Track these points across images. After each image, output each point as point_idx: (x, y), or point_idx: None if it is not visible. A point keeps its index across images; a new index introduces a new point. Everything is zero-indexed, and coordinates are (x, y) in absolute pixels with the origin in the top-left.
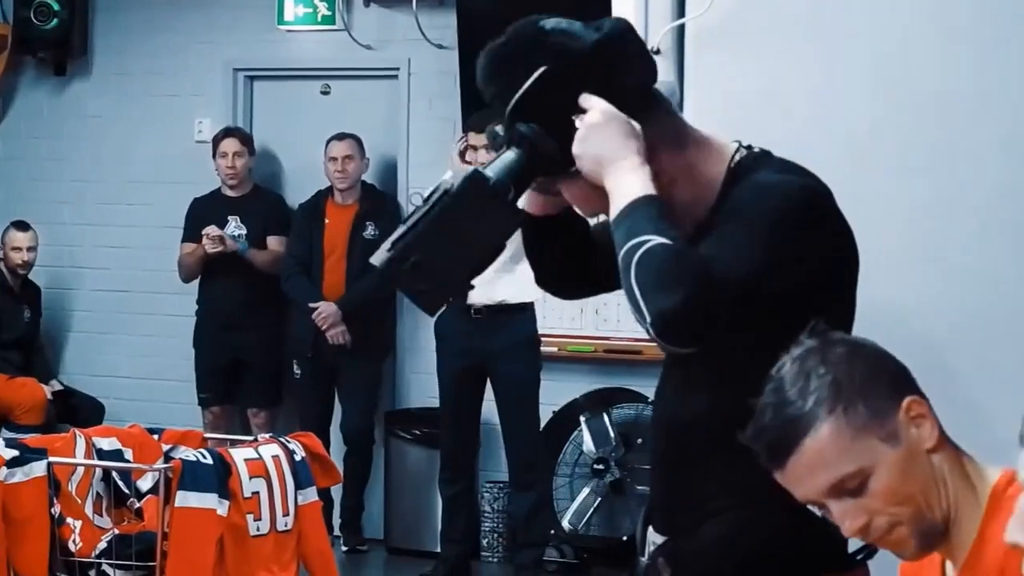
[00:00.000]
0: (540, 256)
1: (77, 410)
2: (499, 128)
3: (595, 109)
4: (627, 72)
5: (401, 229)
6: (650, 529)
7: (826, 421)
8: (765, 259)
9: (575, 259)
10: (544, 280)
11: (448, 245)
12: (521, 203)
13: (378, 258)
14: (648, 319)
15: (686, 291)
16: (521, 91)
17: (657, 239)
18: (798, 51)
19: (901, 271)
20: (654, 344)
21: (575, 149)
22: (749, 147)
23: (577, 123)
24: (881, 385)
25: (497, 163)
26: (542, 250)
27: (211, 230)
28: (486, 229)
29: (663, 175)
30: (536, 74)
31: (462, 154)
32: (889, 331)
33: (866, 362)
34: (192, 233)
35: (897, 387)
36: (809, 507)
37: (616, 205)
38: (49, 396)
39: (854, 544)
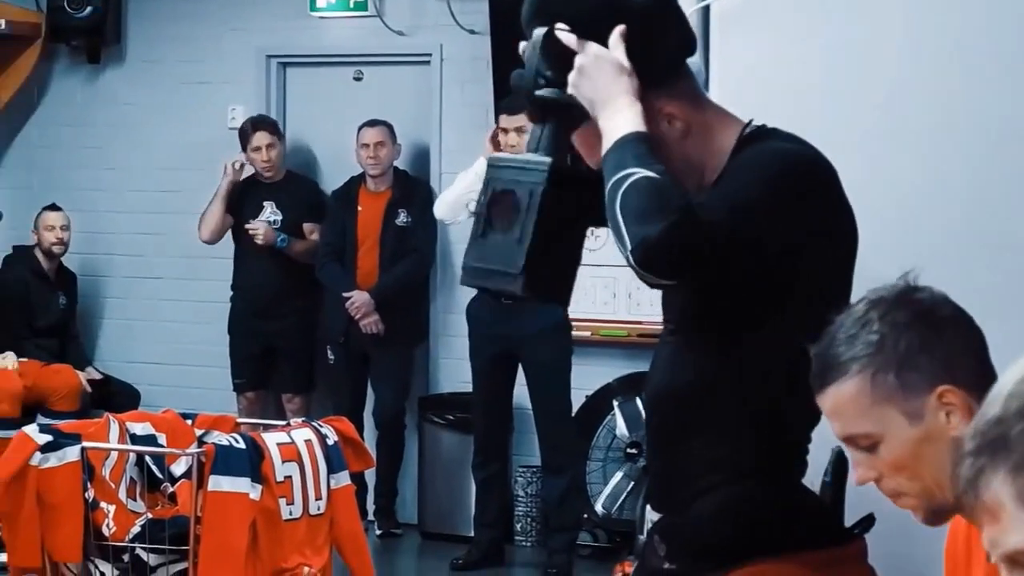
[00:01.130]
0: None
1: (113, 396)
2: (523, 44)
3: (586, 52)
4: (668, 37)
5: (517, 249)
6: (648, 507)
7: (853, 378)
8: (754, 211)
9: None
10: None
11: (553, 243)
12: None
13: (517, 286)
14: (629, 247)
15: (668, 220)
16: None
17: (643, 171)
18: (825, 35)
19: (935, 257)
20: None
21: (569, 92)
22: (761, 125)
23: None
24: (926, 362)
25: (542, 143)
26: None
27: (255, 227)
28: (568, 208)
29: (679, 123)
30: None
31: (495, 142)
32: None
33: (922, 334)
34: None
35: (947, 369)
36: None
37: (606, 142)
38: (85, 383)
39: (851, 519)
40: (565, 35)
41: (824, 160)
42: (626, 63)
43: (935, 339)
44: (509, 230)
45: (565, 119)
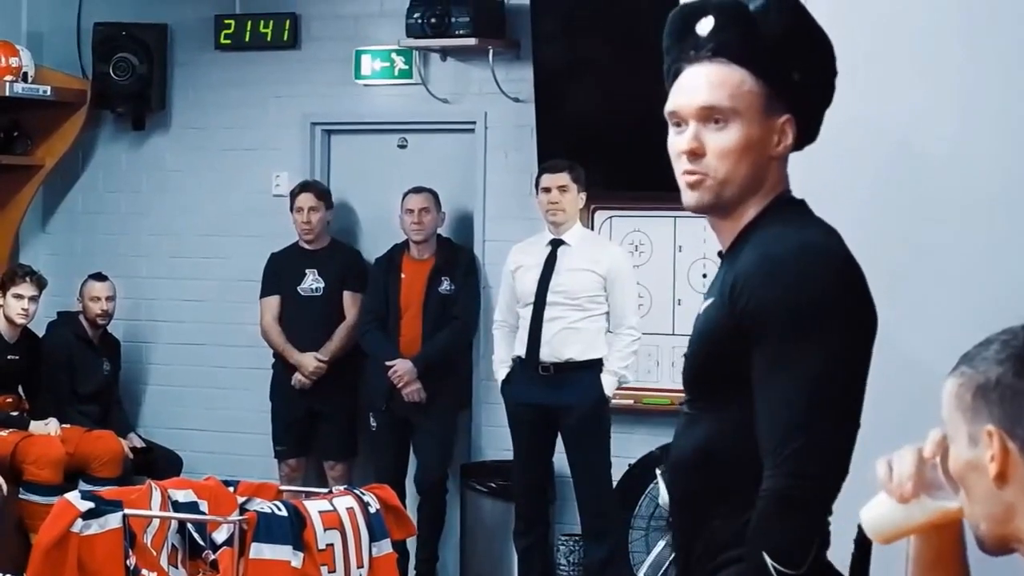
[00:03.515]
0: None
1: (155, 463)
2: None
3: None
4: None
5: None
6: None
7: (951, 379)
8: (841, 374)
9: None
10: None
11: None
12: None
13: None
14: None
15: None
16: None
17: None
18: (891, 74)
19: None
20: None
21: None
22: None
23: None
24: (997, 400)
25: None
26: None
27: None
28: None
29: (784, 143)
30: None
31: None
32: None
33: (1008, 374)
34: (270, 288)
35: (1012, 419)
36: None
37: None
38: (128, 451)
39: None
40: None
41: (846, 254)
42: None
43: (1017, 385)
44: None
45: None
